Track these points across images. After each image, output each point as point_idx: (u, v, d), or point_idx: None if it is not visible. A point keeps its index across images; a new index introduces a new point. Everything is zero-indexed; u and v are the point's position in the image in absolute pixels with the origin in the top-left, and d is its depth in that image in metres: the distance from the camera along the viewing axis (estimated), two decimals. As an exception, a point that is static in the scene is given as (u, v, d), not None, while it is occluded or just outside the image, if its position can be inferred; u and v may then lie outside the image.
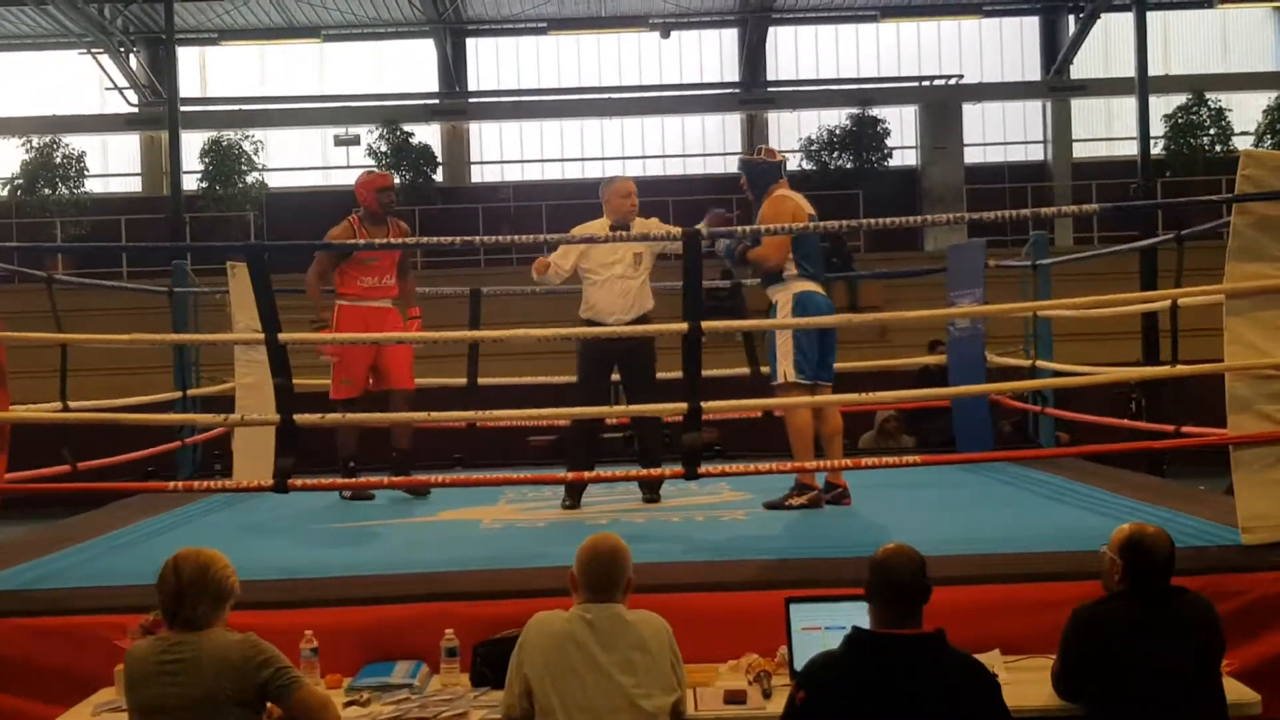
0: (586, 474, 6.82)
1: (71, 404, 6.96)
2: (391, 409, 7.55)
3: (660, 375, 7.15)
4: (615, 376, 7.32)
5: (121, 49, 23.75)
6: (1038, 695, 4.06)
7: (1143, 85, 17.70)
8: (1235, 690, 4.05)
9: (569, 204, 22.84)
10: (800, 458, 6.46)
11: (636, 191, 7.24)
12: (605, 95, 25.42)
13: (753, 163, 6.86)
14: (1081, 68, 25.47)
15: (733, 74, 25.81)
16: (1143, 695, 3.80)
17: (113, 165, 25.38)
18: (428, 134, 24.64)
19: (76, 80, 24.75)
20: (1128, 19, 20.95)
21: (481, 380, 8.27)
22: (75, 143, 23.57)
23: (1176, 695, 3.80)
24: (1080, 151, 25.69)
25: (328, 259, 7.75)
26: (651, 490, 7.20)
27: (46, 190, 22.94)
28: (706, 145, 25.98)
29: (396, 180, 23.16)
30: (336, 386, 7.59)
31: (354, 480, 6.85)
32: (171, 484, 6.08)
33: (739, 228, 6.24)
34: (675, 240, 6.21)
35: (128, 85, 24.30)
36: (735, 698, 4.12)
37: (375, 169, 8.17)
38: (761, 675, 4.23)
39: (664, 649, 3.86)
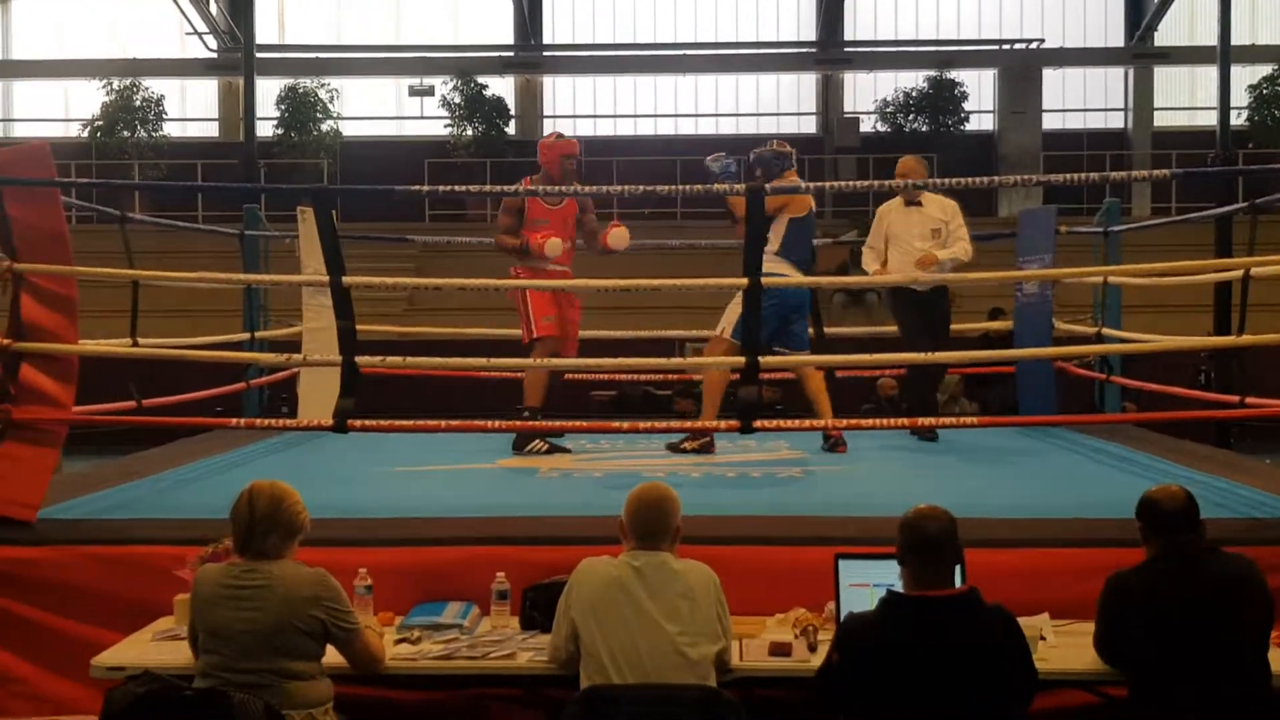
0: (642, 424, 6.89)
1: (140, 341, 7.06)
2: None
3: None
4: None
5: (202, -7, 23.98)
6: (1084, 659, 4.05)
7: (1224, 53, 17.28)
8: (1285, 663, 4.01)
9: (640, 160, 22.84)
10: (708, 408, 7.02)
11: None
12: (680, 51, 25.28)
13: (763, 154, 7.32)
14: (1166, 35, 24.99)
15: (810, 33, 25.58)
16: (1180, 659, 3.77)
17: (191, 110, 25.64)
18: (501, 86, 24.66)
19: (157, 24, 24.98)
20: (1215, -15, 20.50)
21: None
22: (155, 86, 23.81)
23: (1216, 659, 3.76)
24: (1162, 120, 25.25)
25: (509, 217, 7.62)
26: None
27: (125, 133, 23.22)
28: (781, 105, 25.79)
29: (470, 132, 23.35)
30: (539, 324, 7.46)
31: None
32: (234, 421, 6.18)
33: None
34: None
35: (207, 30, 24.52)
36: (780, 650, 4.14)
37: (559, 136, 7.91)
38: (808, 629, 4.24)
39: (710, 598, 3.89)
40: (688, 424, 7.17)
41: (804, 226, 7.22)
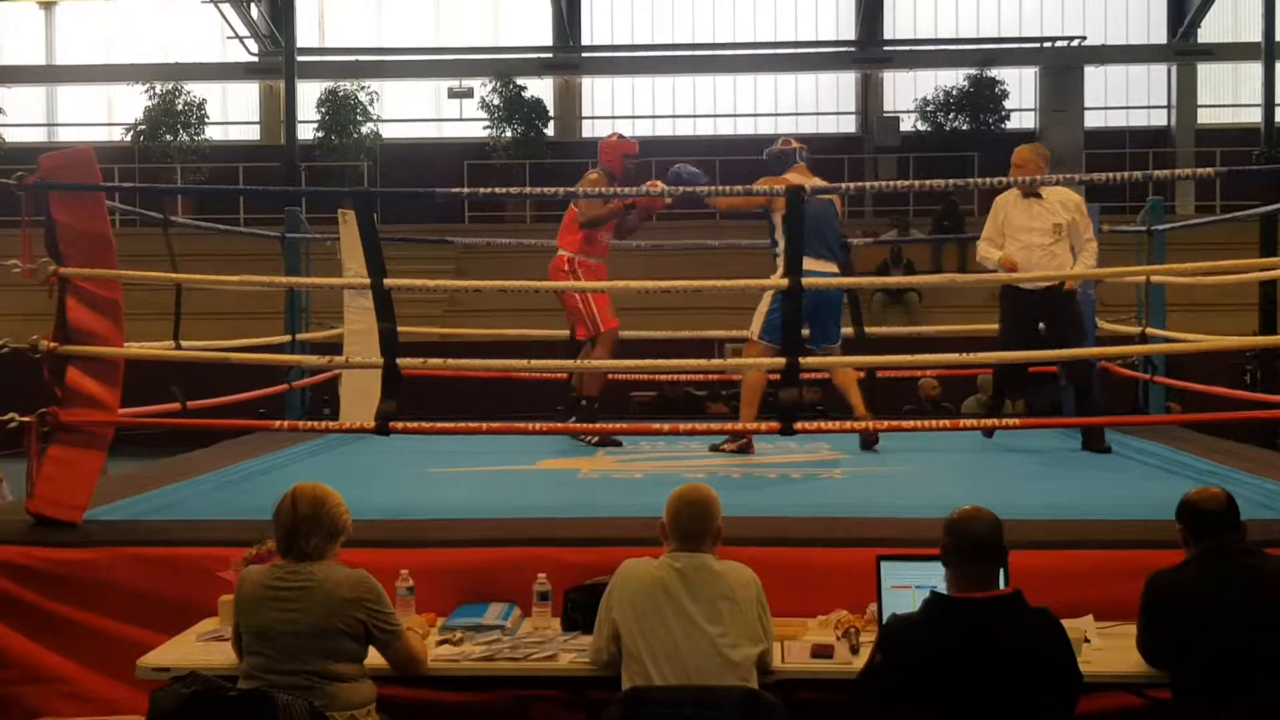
0: (682, 426, 6.89)
1: (183, 344, 7.11)
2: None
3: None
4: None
5: (243, -2, 24.13)
6: (1128, 661, 4.02)
7: (1269, 50, 17.11)
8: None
9: (679, 160, 22.82)
10: (745, 409, 7.09)
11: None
12: (719, 51, 25.24)
13: (771, 152, 7.50)
14: (1209, 31, 24.74)
15: (849, 32, 25.48)
16: (1221, 660, 3.73)
17: (232, 113, 25.78)
18: (540, 88, 24.68)
19: (199, 28, 25.17)
20: (1260, -19, 20.31)
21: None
22: (197, 90, 23.97)
23: (1257, 661, 3.72)
24: (1205, 117, 24.99)
25: (599, 202, 7.76)
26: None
27: (168, 136, 23.37)
28: (820, 104, 25.70)
29: (509, 134, 23.39)
30: (605, 319, 7.73)
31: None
32: (277, 423, 6.22)
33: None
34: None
35: (248, 34, 24.66)
36: (822, 652, 4.13)
37: (621, 137, 8.12)
38: (850, 631, 4.24)
39: (751, 600, 3.88)
40: (729, 425, 7.16)
41: (810, 220, 6.82)
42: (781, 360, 5.61)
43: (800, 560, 4.73)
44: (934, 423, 6.51)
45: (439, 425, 5.94)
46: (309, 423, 6.90)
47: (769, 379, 6.91)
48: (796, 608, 4.46)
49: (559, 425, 7.36)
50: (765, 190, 6.65)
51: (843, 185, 6.26)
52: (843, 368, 7.08)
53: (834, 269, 7.13)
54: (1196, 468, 6.74)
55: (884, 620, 3.98)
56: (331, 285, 7.86)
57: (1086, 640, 4.13)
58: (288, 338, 8.64)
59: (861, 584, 4.36)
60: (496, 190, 6.78)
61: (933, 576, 3.90)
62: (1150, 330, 8.18)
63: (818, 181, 6.98)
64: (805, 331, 7.18)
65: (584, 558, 4.70)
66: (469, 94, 24.31)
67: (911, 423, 6.40)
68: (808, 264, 6.83)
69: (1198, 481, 6.15)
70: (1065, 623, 3.74)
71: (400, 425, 5.58)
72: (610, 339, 7.76)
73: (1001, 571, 3.77)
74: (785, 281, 5.53)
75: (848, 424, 6.46)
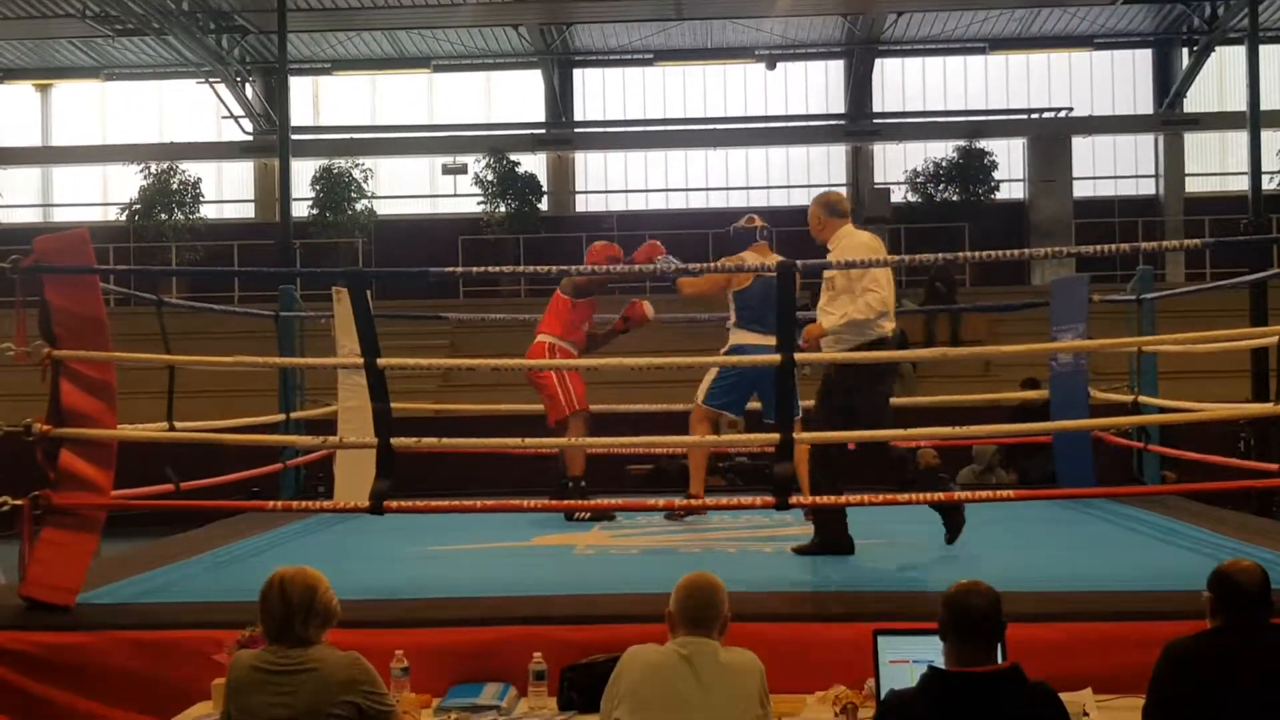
0: (677, 500, 6.89)
1: (177, 424, 7.11)
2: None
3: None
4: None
5: (238, 78, 24.32)
6: (1129, 736, 3.99)
7: (1254, 119, 17.33)
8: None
9: (672, 234, 22.95)
10: (695, 473, 7.30)
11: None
12: (710, 126, 25.47)
13: (736, 229, 7.65)
14: (1195, 101, 25.02)
15: (839, 106, 25.74)
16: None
17: (227, 192, 25.97)
18: (534, 163, 24.88)
19: (194, 109, 25.43)
20: (1243, 52, 20.55)
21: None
22: (192, 169, 24.13)
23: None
24: (1193, 186, 25.22)
25: (589, 286, 8.18)
26: None
27: (163, 215, 23.49)
28: (811, 177, 25.91)
29: (502, 209, 23.56)
30: (580, 399, 7.87)
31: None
32: (271, 504, 6.20)
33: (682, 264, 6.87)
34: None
35: (243, 114, 24.87)
36: (820, 729, 4.10)
37: (606, 244, 8.43)
38: (848, 707, 4.20)
39: (755, 689, 3.84)
40: (722, 500, 7.14)
41: (763, 295, 7.04)
42: (776, 435, 5.59)
43: (798, 635, 4.71)
44: (928, 496, 6.47)
45: (433, 504, 5.91)
46: (303, 502, 6.88)
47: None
48: (794, 684, 4.44)
49: (553, 502, 7.35)
50: (754, 267, 6.76)
51: (829, 261, 6.29)
52: (840, 441, 7.04)
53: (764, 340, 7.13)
54: (1193, 537, 6.73)
55: (882, 696, 3.95)
56: (325, 365, 7.86)
57: (1085, 714, 4.11)
58: (282, 416, 8.63)
59: (859, 659, 4.33)
60: (490, 269, 6.83)
61: (930, 651, 3.87)
62: (1143, 399, 8.19)
63: (776, 259, 7.02)
64: (756, 404, 7.28)
65: (580, 636, 4.68)
66: (463, 170, 24.52)
67: (906, 495, 6.36)
68: (753, 338, 7.16)
69: (1195, 551, 6.15)
70: (1063, 696, 3.71)
71: (395, 504, 5.56)
72: (584, 419, 7.89)
73: (999, 645, 3.75)
74: (779, 358, 5.52)
75: (842, 499, 6.41)
